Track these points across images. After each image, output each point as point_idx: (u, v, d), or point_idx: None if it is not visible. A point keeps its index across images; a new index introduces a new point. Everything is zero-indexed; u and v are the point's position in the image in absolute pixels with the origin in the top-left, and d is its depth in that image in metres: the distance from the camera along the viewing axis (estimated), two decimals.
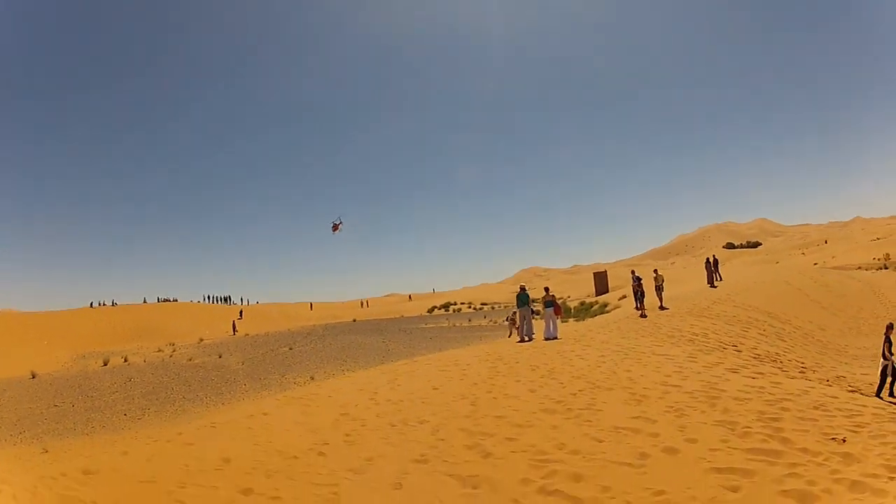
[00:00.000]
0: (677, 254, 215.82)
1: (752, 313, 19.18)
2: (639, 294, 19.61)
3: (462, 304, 70.82)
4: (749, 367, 10.46)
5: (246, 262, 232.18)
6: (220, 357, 29.62)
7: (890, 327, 10.61)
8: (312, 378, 19.71)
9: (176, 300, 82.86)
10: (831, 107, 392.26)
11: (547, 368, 10.34)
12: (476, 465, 5.63)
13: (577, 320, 28.55)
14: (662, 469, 5.18)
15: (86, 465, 6.14)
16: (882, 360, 10.36)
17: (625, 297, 32.88)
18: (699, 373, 9.30)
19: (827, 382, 11.17)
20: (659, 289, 20.28)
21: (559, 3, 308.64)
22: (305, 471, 5.84)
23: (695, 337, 14.02)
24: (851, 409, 7.10)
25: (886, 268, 48.40)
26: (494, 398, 8.34)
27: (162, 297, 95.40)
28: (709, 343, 13.41)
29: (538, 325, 16.97)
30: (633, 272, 21.21)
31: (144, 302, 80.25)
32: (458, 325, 42.31)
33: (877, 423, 6.53)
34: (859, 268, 52.47)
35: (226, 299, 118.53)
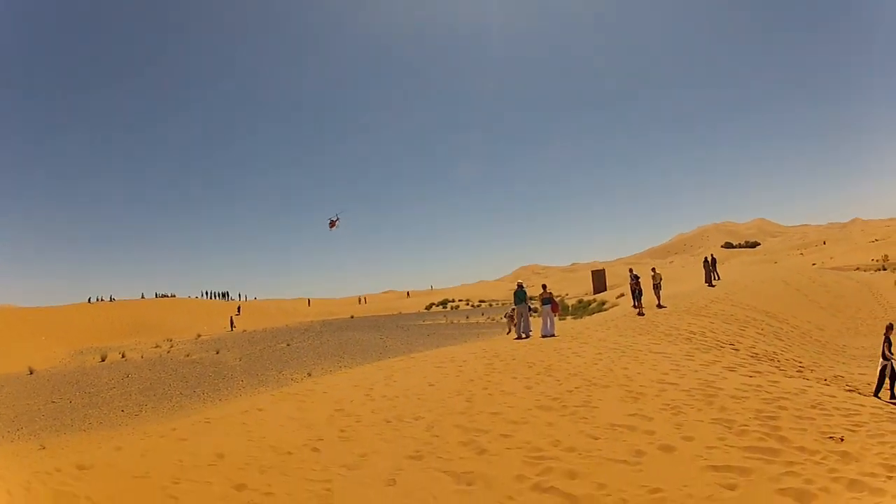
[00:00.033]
0: (676, 253, 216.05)
1: (750, 312, 19.18)
2: (637, 292, 19.59)
3: (460, 301, 70.72)
4: (746, 365, 10.44)
5: (244, 259, 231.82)
6: (217, 353, 29.57)
7: (890, 328, 10.57)
8: (309, 374, 19.66)
9: (174, 296, 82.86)
10: (831, 107, 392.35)
11: (543, 365, 10.30)
12: (470, 462, 5.60)
13: (574, 318, 28.53)
14: (658, 467, 5.15)
15: (80, 460, 6.10)
16: (882, 360, 10.32)
17: (623, 295, 32.89)
18: (696, 371, 9.27)
19: (825, 382, 11.16)
20: (657, 287, 20.28)
21: (559, 3, 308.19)
22: (299, 466, 5.80)
23: (692, 335, 14.00)
24: (849, 409, 7.08)
25: (885, 269, 48.42)
26: (490, 395, 8.30)
27: (160, 292, 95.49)
28: (706, 341, 13.39)
29: (535, 323, 16.94)
30: (631, 270, 21.21)
31: (142, 297, 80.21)
32: (455, 322, 42.30)
33: (875, 422, 6.51)
34: (858, 268, 52.51)
35: (223, 295, 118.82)
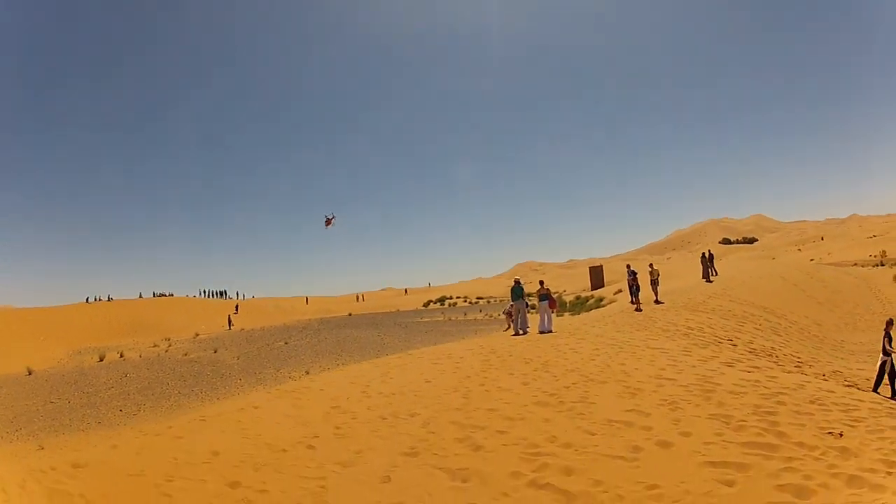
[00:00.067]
0: (673, 249, 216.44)
1: (747, 308, 19.16)
2: (634, 288, 19.54)
3: (458, 298, 70.60)
4: (744, 360, 10.41)
5: (242, 257, 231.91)
6: (215, 352, 29.51)
7: (890, 323, 10.52)
8: (307, 372, 19.61)
9: (172, 295, 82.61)
10: (829, 105, 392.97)
11: (540, 361, 10.26)
12: (466, 459, 5.55)
13: (572, 314, 28.49)
14: (656, 463, 5.10)
15: (75, 458, 6.07)
16: (882, 355, 10.26)
17: (620, 291, 32.86)
18: (694, 366, 9.23)
19: (823, 377, 11.15)
20: (654, 283, 20.23)
21: (559, 3, 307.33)
22: (294, 464, 5.76)
23: (690, 331, 13.97)
24: (848, 404, 7.03)
25: (882, 264, 48.43)
26: (487, 391, 8.26)
27: (157, 291, 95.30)
28: (704, 337, 13.36)
29: (533, 319, 16.89)
30: (628, 266, 21.15)
31: (140, 297, 80.00)
32: (453, 319, 42.25)
33: (874, 417, 6.47)
34: (855, 264, 52.53)
35: (221, 294, 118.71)
